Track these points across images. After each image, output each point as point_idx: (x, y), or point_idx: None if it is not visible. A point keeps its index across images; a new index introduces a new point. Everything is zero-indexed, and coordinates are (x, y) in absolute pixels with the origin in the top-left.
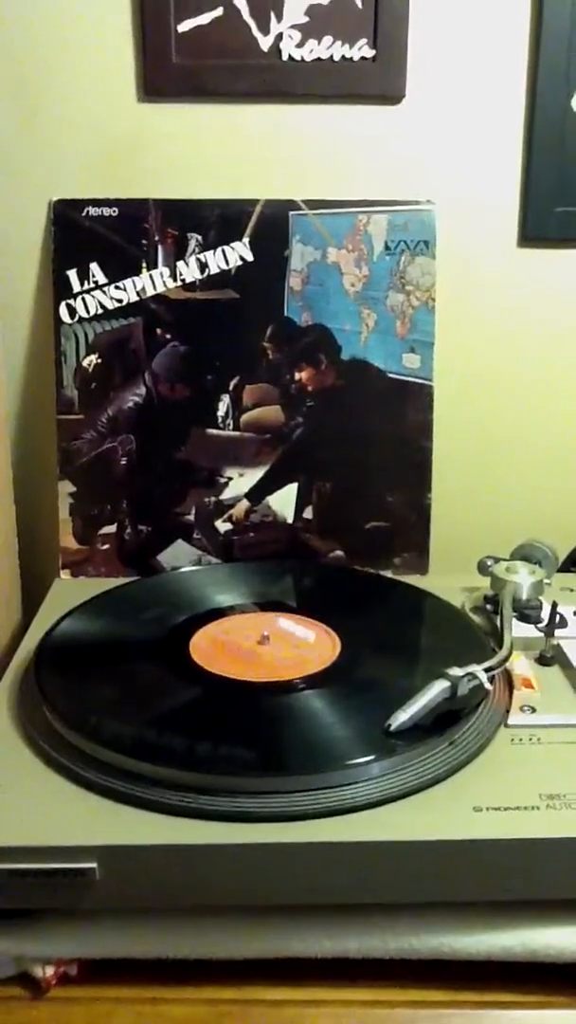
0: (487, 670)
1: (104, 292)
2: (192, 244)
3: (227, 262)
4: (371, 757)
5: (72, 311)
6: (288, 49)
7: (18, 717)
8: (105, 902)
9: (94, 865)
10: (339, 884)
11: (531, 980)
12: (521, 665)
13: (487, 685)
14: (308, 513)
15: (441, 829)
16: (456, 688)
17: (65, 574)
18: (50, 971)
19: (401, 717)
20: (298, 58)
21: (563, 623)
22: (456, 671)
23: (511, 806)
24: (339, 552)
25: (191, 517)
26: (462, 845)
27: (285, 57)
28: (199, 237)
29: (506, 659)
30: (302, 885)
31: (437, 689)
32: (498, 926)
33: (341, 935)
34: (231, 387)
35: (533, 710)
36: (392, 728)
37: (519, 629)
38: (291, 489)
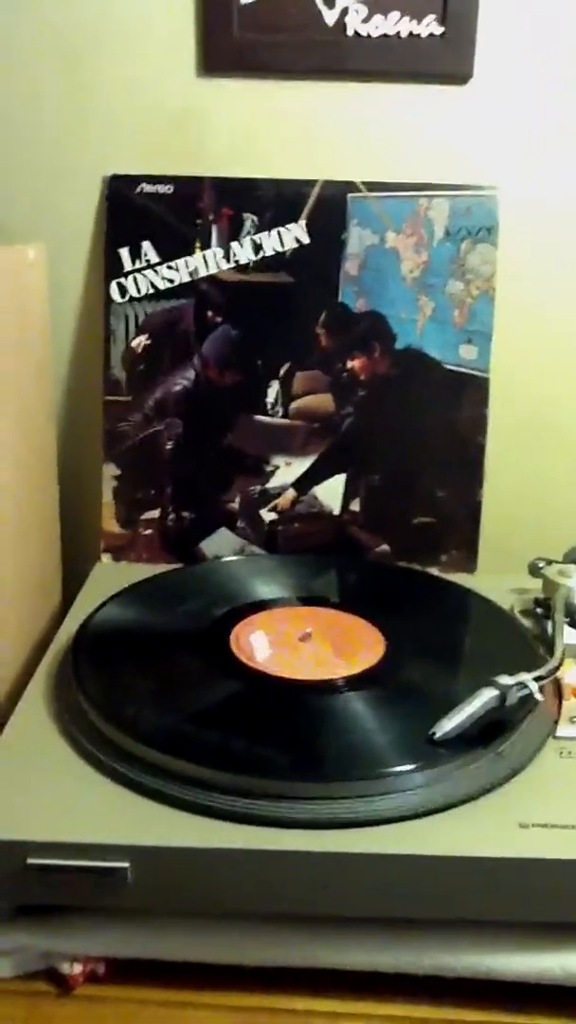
0: (538, 679)
1: (156, 272)
2: (247, 225)
3: (282, 244)
4: (414, 766)
5: (123, 290)
6: (353, 24)
7: (54, 704)
8: (136, 903)
9: (126, 865)
10: (375, 897)
11: (569, 1004)
12: (571, 674)
13: (538, 696)
14: (355, 506)
15: (485, 845)
16: (505, 697)
17: (106, 558)
18: (78, 968)
19: (447, 725)
20: (363, 34)
21: None
22: (506, 679)
23: (558, 824)
24: (385, 547)
25: (235, 505)
26: (506, 863)
27: (350, 33)
28: (255, 218)
29: (557, 667)
30: (337, 896)
31: (485, 697)
32: (537, 947)
33: (374, 948)
34: (281, 373)
35: None
36: (437, 736)
37: (570, 635)
38: (339, 480)
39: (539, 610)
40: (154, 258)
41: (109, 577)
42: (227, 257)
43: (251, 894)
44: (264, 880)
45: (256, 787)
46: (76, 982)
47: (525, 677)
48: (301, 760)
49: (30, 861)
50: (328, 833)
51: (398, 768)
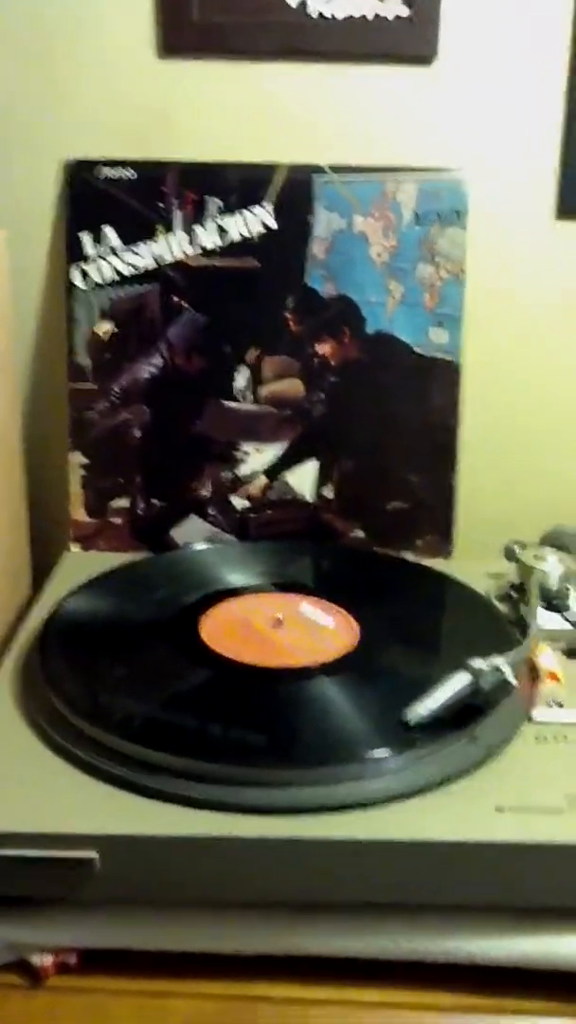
0: (511, 662)
1: (119, 257)
2: (212, 209)
3: (248, 228)
4: (388, 751)
5: (85, 276)
6: (316, 5)
7: (21, 695)
8: (105, 892)
9: (95, 855)
10: (350, 882)
11: (548, 988)
12: (547, 658)
13: (511, 679)
14: (328, 492)
15: (460, 829)
16: (479, 681)
17: (75, 547)
18: (48, 960)
19: (420, 710)
20: (327, 15)
21: None
22: (479, 663)
23: (535, 807)
24: (359, 533)
25: (206, 493)
26: (482, 847)
27: (313, 14)
28: (219, 202)
29: (531, 651)
30: (311, 882)
31: (458, 681)
32: (516, 931)
33: (351, 934)
34: (250, 359)
35: (560, 705)
36: (410, 721)
37: (546, 619)
38: (311, 466)
39: (514, 594)
40: (117, 243)
41: (78, 567)
42: (192, 242)
43: (223, 882)
44: (237, 867)
45: (226, 774)
46: (47, 973)
47: (499, 660)
48: (273, 746)
49: None
50: (302, 819)
51: (372, 753)
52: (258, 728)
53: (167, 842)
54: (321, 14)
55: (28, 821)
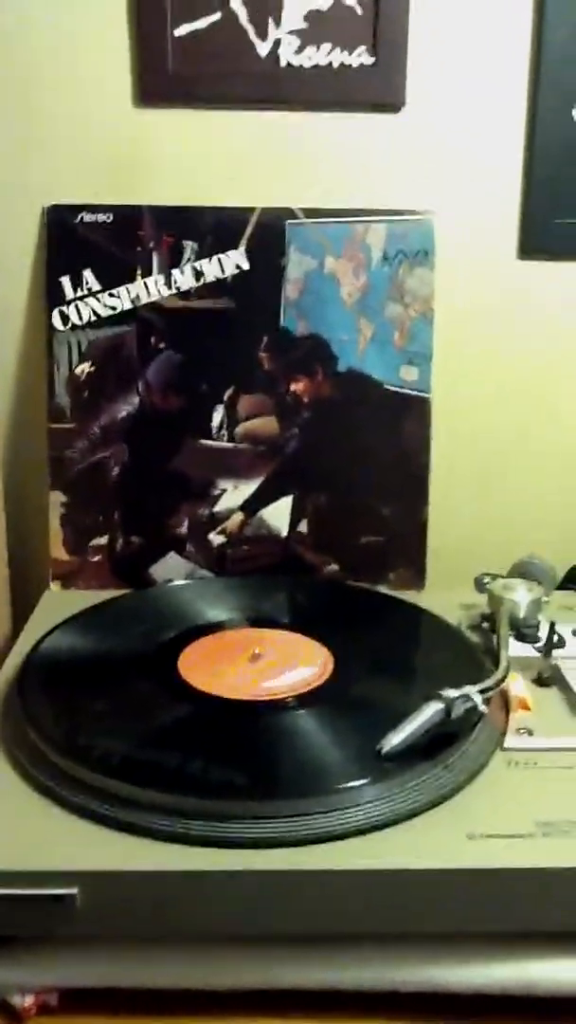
0: (482, 691)
1: (98, 299)
2: (188, 252)
3: (223, 270)
4: (363, 781)
5: (65, 318)
6: (286, 55)
7: (1, 734)
8: (86, 929)
9: (75, 891)
10: (329, 913)
11: (526, 1014)
12: (518, 686)
13: (482, 707)
14: (303, 527)
15: (434, 857)
16: (450, 710)
17: (55, 585)
18: (29, 1000)
19: (393, 740)
20: (296, 64)
21: (561, 643)
22: (450, 692)
23: (506, 834)
24: (333, 566)
25: (184, 529)
26: (455, 874)
27: (283, 63)
28: (195, 245)
29: (502, 680)
30: (291, 914)
31: (430, 711)
32: (493, 958)
33: (332, 966)
34: (226, 397)
35: (530, 733)
36: (384, 750)
37: (516, 648)
38: (286, 502)
39: (485, 624)
40: (96, 286)
41: (58, 605)
42: (168, 284)
43: (203, 917)
44: (216, 902)
45: (203, 808)
46: (28, 1014)
47: (470, 690)
48: (250, 779)
49: None
50: (279, 851)
51: (347, 784)
52: (236, 762)
53: (147, 877)
54: (290, 63)
55: (7, 858)
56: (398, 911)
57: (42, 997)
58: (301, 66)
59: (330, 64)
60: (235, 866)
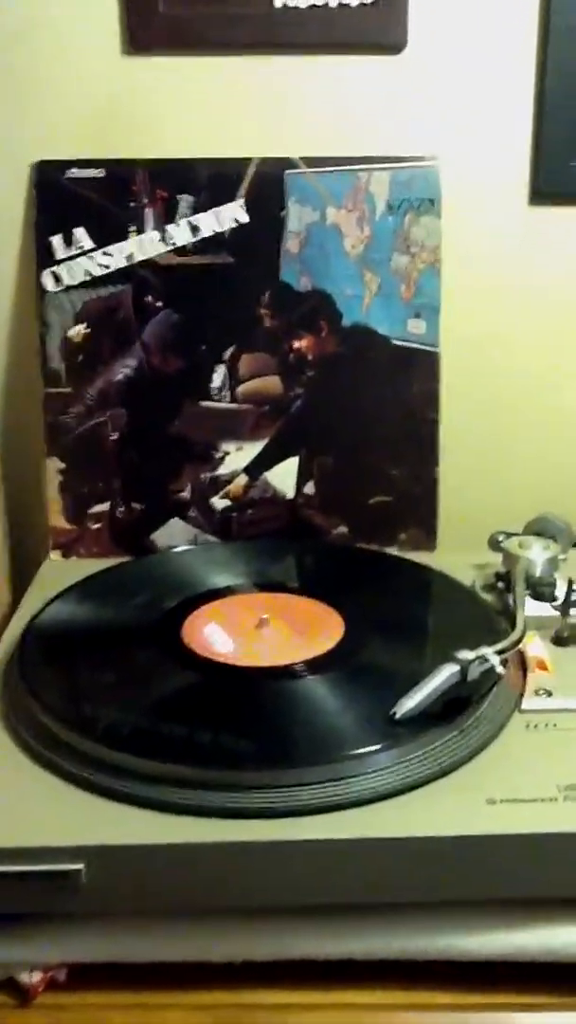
0: (499, 652)
1: (91, 258)
2: (183, 206)
3: (220, 224)
4: (376, 746)
5: (57, 279)
6: None
7: (2, 708)
8: (93, 905)
9: (81, 867)
10: (342, 883)
11: (546, 981)
12: (535, 646)
13: (499, 668)
14: (309, 488)
15: (453, 824)
16: (466, 672)
17: (55, 554)
18: (37, 977)
19: (407, 704)
20: (293, 5)
21: None
22: (466, 654)
23: (527, 798)
24: (342, 529)
25: (186, 494)
26: (475, 840)
27: (279, 4)
28: (190, 199)
29: (519, 640)
30: (303, 884)
31: (446, 674)
32: (512, 925)
33: (344, 936)
34: (227, 357)
35: (549, 694)
36: (398, 716)
37: (533, 608)
38: (291, 463)
39: (500, 584)
40: (88, 244)
41: (59, 574)
42: (164, 240)
43: (214, 889)
44: (226, 873)
45: (212, 778)
46: (36, 991)
47: (486, 651)
48: (260, 748)
49: None
50: (292, 821)
51: (361, 750)
52: (245, 730)
53: (154, 851)
54: (286, 4)
55: (11, 835)
56: (416, 880)
57: (50, 973)
58: (298, 7)
59: (327, 4)
60: (245, 837)
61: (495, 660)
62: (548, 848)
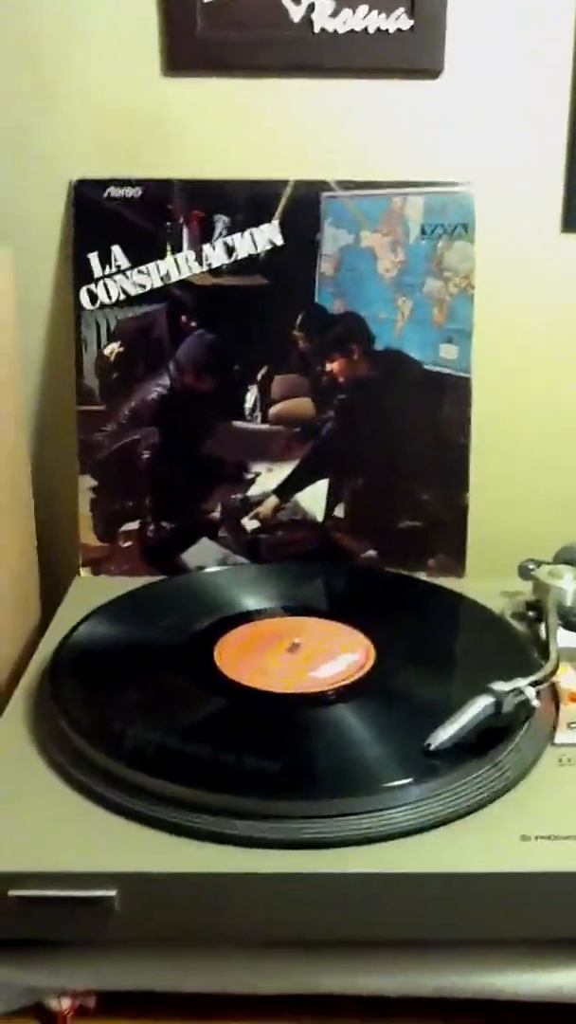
0: (534, 684)
1: (127, 277)
2: (219, 227)
3: (255, 246)
4: (409, 779)
5: (93, 297)
6: (320, 20)
7: (34, 727)
8: (124, 932)
9: (113, 893)
10: (374, 918)
11: None
12: (568, 678)
13: (534, 702)
14: (339, 511)
15: (486, 860)
16: (501, 704)
17: (85, 572)
18: (67, 1003)
19: (442, 735)
20: (331, 30)
21: None
22: (501, 686)
23: (562, 834)
24: (371, 552)
25: (216, 514)
26: (510, 878)
27: (317, 29)
28: (226, 219)
29: (553, 672)
30: (334, 918)
31: (480, 705)
32: (547, 964)
33: (377, 972)
34: (259, 378)
35: None
36: (432, 747)
37: (564, 638)
38: (321, 486)
39: (531, 613)
40: (124, 263)
41: (89, 592)
42: (199, 260)
43: (245, 919)
44: (257, 904)
45: (245, 807)
46: (65, 1018)
47: (521, 683)
48: (292, 778)
49: (11, 893)
50: (324, 853)
51: (393, 783)
52: (275, 758)
53: (187, 879)
54: (324, 28)
55: (43, 859)
56: (450, 917)
57: (79, 1000)
58: (336, 31)
59: (366, 28)
60: (277, 868)
61: (531, 692)
62: None
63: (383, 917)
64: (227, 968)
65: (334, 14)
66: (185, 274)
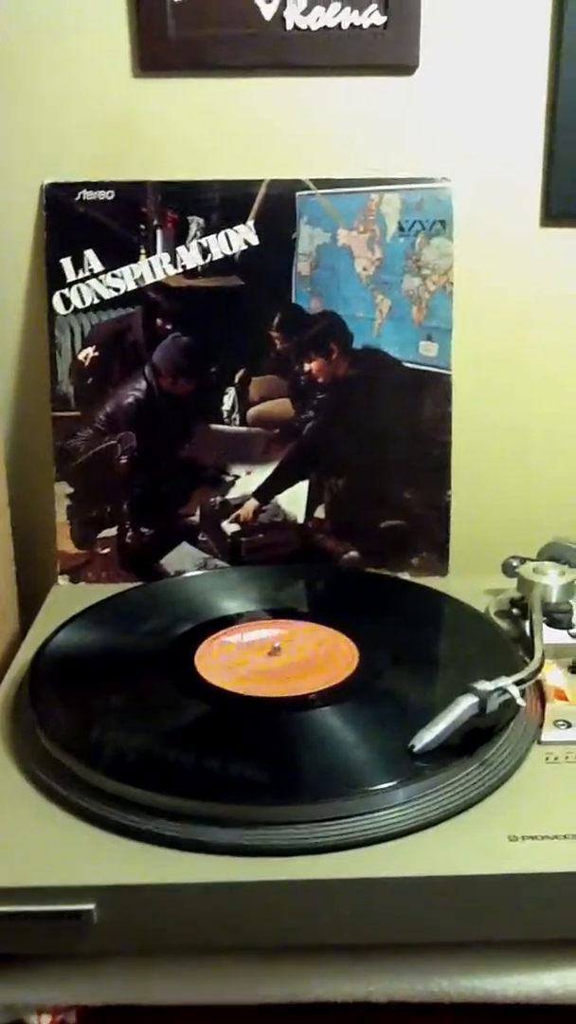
0: (519, 683)
1: (100, 281)
2: (193, 228)
3: (231, 247)
4: (395, 782)
5: (67, 301)
6: (292, 17)
7: (10, 737)
8: (103, 946)
9: (91, 907)
10: (361, 923)
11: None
12: (553, 675)
13: (519, 700)
14: (320, 512)
15: (473, 862)
16: (485, 704)
17: (63, 580)
18: (47, 1020)
19: (426, 737)
20: (303, 27)
21: None
22: (485, 685)
23: (549, 834)
24: (353, 553)
25: (196, 518)
26: (497, 880)
27: (290, 26)
28: (201, 221)
29: (538, 670)
30: (320, 924)
31: (464, 705)
32: (537, 966)
33: (363, 977)
34: (236, 380)
35: (568, 724)
36: (416, 749)
37: (549, 635)
38: (302, 487)
39: (515, 610)
40: (98, 267)
41: (67, 600)
42: (174, 262)
43: (228, 929)
44: (241, 913)
45: (227, 814)
46: None
47: (505, 682)
48: (275, 783)
49: None
50: (308, 859)
51: (378, 786)
52: (258, 764)
53: (167, 890)
54: (296, 26)
55: (19, 874)
56: (437, 921)
57: (59, 1016)
58: (308, 28)
59: (339, 25)
60: (260, 876)
61: (515, 691)
62: (572, 886)
63: (370, 922)
64: (211, 979)
65: (306, 11)
66: (160, 277)
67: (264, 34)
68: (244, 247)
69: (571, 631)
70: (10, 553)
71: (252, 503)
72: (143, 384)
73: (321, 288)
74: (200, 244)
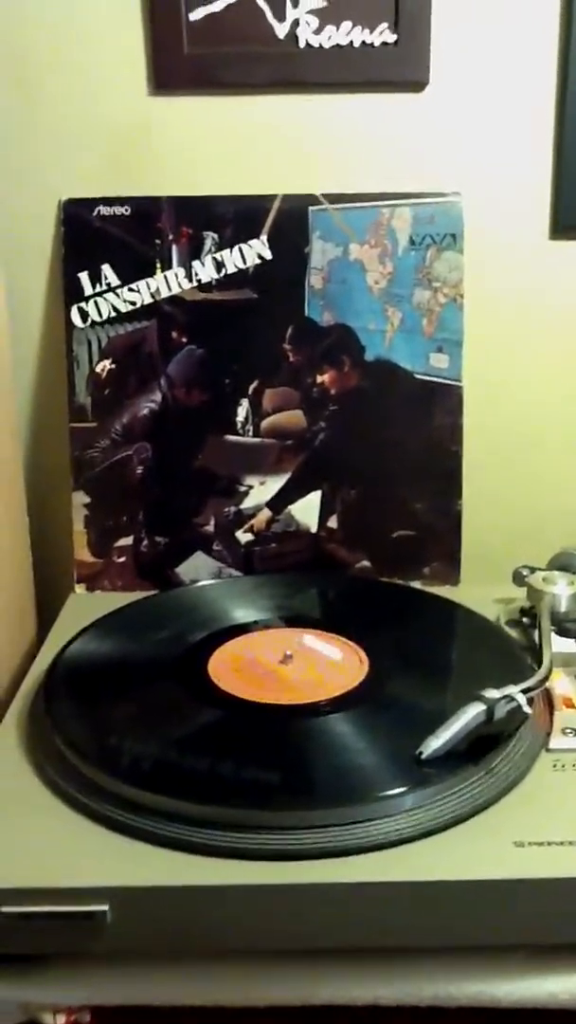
0: (526, 691)
1: (117, 295)
2: (208, 243)
3: (244, 261)
4: (403, 788)
5: (84, 315)
6: (305, 36)
7: (28, 743)
8: (117, 946)
9: (105, 908)
10: (370, 927)
11: None
12: (562, 684)
13: (526, 708)
14: (332, 522)
15: (480, 867)
16: (493, 711)
17: (80, 588)
18: (61, 1019)
19: (434, 744)
20: (316, 45)
21: None
22: (492, 693)
23: (556, 841)
24: (365, 562)
25: (210, 528)
26: (504, 885)
27: (302, 44)
28: (215, 235)
29: (546, 678)
30: (329, 927)
31: (472, 713)
32: (543, 971)
33: (372, 981)
34: (250, 391)
35: None
36: (424, 756)
37: (558, 644)
38: (314, 497)
39: (525, 620)
40: (115, 281)
41: (84, 608)
42: (189, 276)
43: (239, 932)
44: (252, 916)
45: (239, 819)
46: None
47: (512, 690)
48: (286, 789)
49: (3, 909)
50: (318, 863)
51: (387, 791)
52: (271, 770)
53: (181, 892)
54: (309, 44)
55: (35, 875)
56: (444, 925)
57: (73, 1016)
58: (320, 46)
59: (351, 43)
60: (271, 880)
61: (522, 699)
62: None
63: (378, 926)
64: (222, 980)
65: (318, 30)
66: (175, 290)
67: (277, 52)
68: (258, 261)
69: None
70: (29, 562)
71: (265, 513)
72: (159, 396)
73: (333, 301)
74: (215, 258)
